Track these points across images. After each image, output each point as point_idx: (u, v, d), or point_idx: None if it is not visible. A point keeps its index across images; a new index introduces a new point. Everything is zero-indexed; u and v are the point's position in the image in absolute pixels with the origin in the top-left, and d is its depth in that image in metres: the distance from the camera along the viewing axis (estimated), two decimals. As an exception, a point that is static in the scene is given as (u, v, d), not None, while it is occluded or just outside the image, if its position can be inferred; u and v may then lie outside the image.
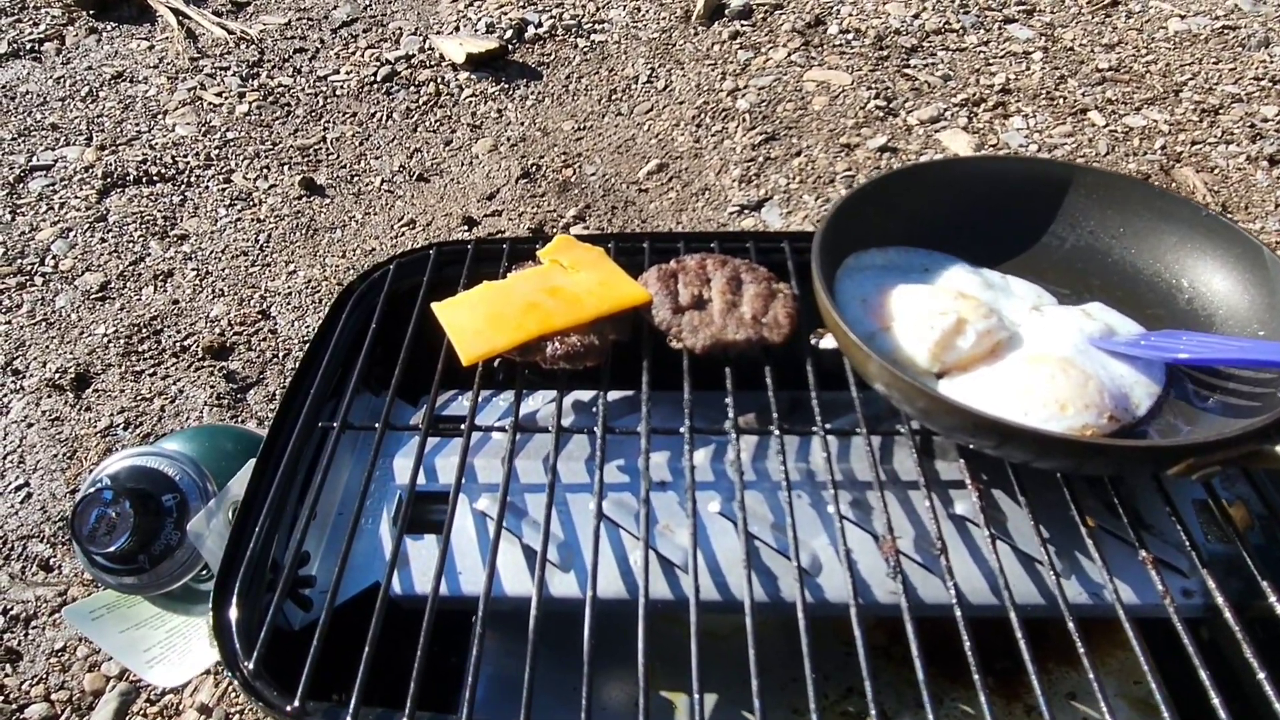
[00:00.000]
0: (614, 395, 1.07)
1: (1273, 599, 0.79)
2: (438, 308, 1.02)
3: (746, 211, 2.29)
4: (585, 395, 1.07)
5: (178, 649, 1.14)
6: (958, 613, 0.78)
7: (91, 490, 0.96)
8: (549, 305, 1.01)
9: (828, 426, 0.94)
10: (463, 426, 0.94)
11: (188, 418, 1.77)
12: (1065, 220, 1.14)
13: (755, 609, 0.79)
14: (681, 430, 0.94)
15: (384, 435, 0.94)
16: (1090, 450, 0.81)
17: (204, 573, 1.08)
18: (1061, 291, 1.09)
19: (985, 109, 2.68)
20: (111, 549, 0.94)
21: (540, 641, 0.77)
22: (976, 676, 0.73)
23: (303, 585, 0.90)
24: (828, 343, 1.07)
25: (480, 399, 1.09)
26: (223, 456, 1.13)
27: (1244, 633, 0.76)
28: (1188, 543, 0.84)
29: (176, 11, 3.12)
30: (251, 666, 0.75)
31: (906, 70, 2.87)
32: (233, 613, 0.80)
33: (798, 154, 2.50)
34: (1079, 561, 0.89)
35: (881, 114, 2.66)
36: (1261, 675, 0.72)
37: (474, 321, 0.99)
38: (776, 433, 0.93)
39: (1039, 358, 0.96)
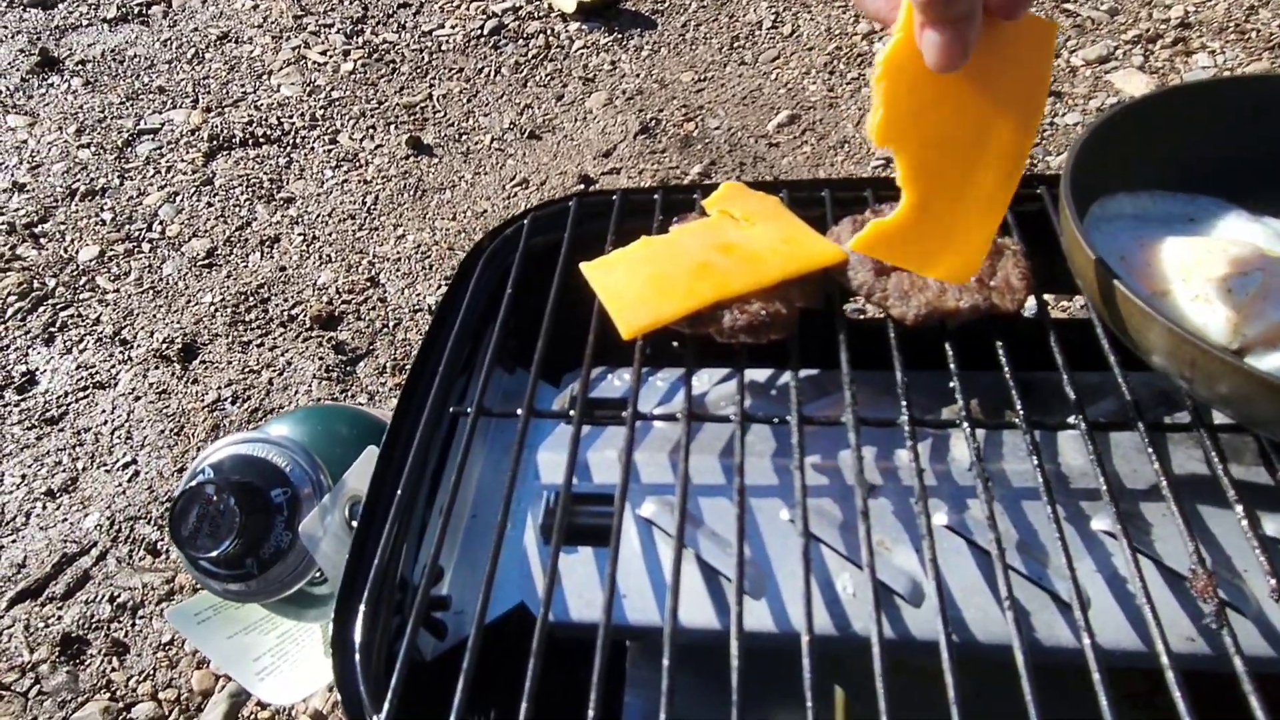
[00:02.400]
0: (801, 375, 0.88)
1: None
2: (588, 269, 0.84)
3: (892, 165, 2.05)
4: (766, 375, 0.88)
5: (290, 658, 1.02)
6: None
7: (191, 484, 0.82)
8: (724, 266, 0.82)
9: (1089, 418, 0.73)
10: (624, 414, 0.77)
11: (296, 391, 1.66)
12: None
13: (1029, 653, 0.59)
14: (900, 420, 0.74)
15: (529, 423, 0.77)
16: None
17: (318, 575, 0.95)
18: (1378, 244, 0.84)
19: (1162, 45, 2.36)
20: (215, 553, 0.81)
21: (721, 682, 0.59)
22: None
23: (436, 607, 0.74)
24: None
25: (630, 380, 0.92)
26: (337, 442, 0.98)
27: None
28: None
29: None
30: (383, 721, 0.59)
31: (1066, 6, 2.55)
32: (357, 655, 0.64)
33: (946, 101, 2.24)
34: None
35: (1040, 55, 2.36)
36: None
37: (634, 286, 0.81)
38: (1023, 426, 0.72)
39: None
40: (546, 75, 2.51)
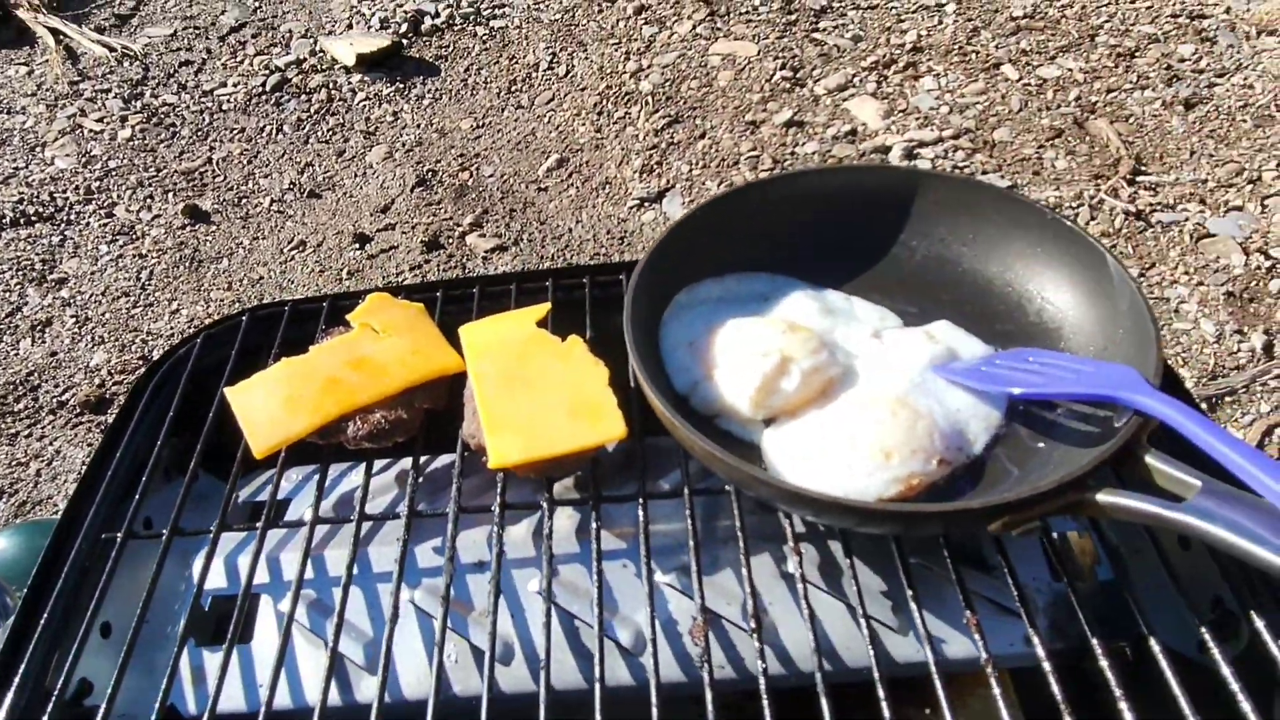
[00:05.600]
0: (439, 462, 1.00)
1: (1098, 651, 0.75)
2: (231, 393, 0.94)
3: (647, 204, 2.21)
4: (401, 467, 1.00)
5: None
6: (762, 683, 0.73)
7: None
8: (352, 380, 0.94)
9: (649, 489, 0.88)
10: (257, 525, 0.88)
11: (65, 480, 1.70)
12: (916, 229, 1.08)
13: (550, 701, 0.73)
14: (493, 508, 0.87)
15: (172, 541, 0.87)
16: (902, 518, 0.76)
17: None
18: (909, 310, 1.03)
19: (895, 71, 2.60)
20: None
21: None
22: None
23: (87, 718, 0.83)
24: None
25: (299, 479, 1.03)
26: (36, 557, 1.06)
27: (1059, 684, 0.72)
28: (1015, 594, 0.79)
29: (55, 31, 2.97)
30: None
31: (815, 34, 2.77)
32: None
33: (702, 136, 2.41)
34: (913, 618, 0.84)
35: (789, 85, 2.56)
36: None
37: (269, 406, 0.92)
38: (589, 503, 0.87)
39: (870, 399, 0.89)
40: (328, 130, 2.57)
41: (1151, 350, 0.83)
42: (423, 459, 0.95)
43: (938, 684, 0.73)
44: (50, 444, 1.77)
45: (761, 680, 0.73)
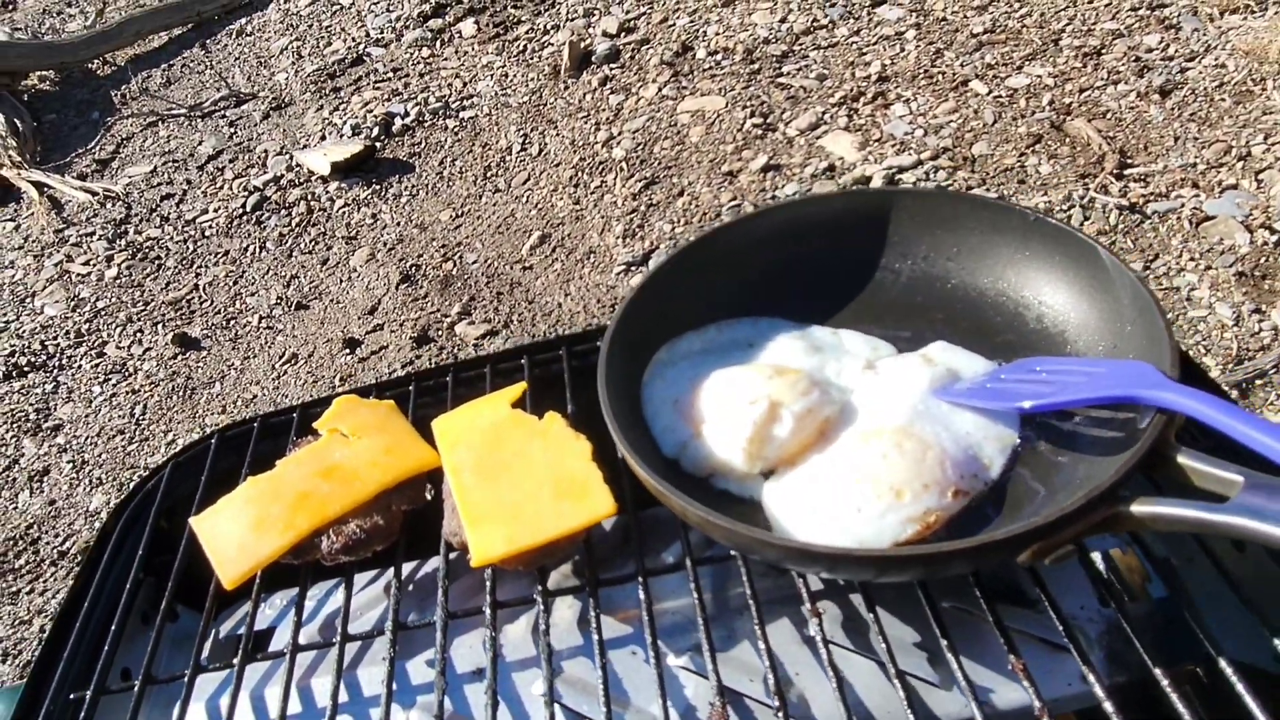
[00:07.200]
0: (427, 567, 0.94)
1: (1162, 681, 0.67)
2: (196, 522, 0.89)
3: (634, 268, 2.18)
4: (387, 578, 0.94)
5: None
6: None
7: None
8: (322, 491, 0.88)
9: (647, 566, 0.81)
10: (234, 661, 0.81)
11: (69, 633, 1.64)
12: (896, 250, 1.02)
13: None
14: (484, 609, 0.81)
15: (145, 691, 0.81)
16: (922, 562, 0.68)
17: None
18: (901, 335, 0.97)
19: (864, 103, 2.58)
20: None
21: None
22: None
23: None
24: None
25: (284, 604, 0.97)
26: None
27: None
28: (1061, 630, 0.71)
29: (38, 185, 3.02)
30: None
31: (780, 79, 2.77)
32: None
33: (680, 193, 2.39)
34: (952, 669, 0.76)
35: (761, 131, 2.55)
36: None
37: (236, 531, 0.86)
38: (586, 589, 0.80)
39: (871, 433, 0.83)
40: (310, 241, 2.57)
41: (1164, 341, 0.77)
42: (407, 566, 0.89)
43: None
44: (54, 598, 1.72)
45: (791, 762, 0.65)
